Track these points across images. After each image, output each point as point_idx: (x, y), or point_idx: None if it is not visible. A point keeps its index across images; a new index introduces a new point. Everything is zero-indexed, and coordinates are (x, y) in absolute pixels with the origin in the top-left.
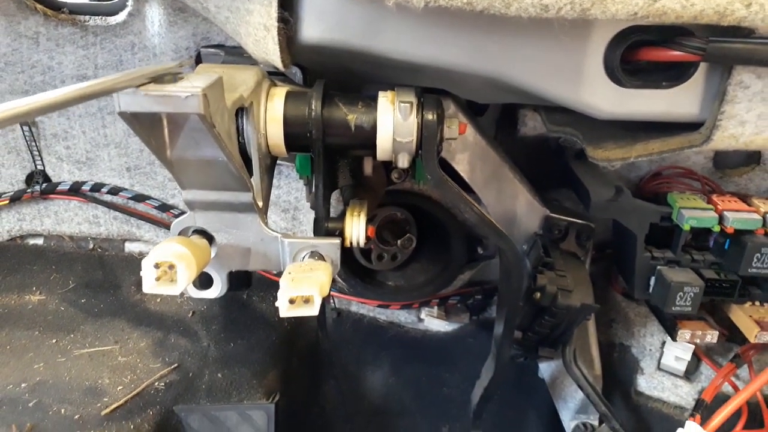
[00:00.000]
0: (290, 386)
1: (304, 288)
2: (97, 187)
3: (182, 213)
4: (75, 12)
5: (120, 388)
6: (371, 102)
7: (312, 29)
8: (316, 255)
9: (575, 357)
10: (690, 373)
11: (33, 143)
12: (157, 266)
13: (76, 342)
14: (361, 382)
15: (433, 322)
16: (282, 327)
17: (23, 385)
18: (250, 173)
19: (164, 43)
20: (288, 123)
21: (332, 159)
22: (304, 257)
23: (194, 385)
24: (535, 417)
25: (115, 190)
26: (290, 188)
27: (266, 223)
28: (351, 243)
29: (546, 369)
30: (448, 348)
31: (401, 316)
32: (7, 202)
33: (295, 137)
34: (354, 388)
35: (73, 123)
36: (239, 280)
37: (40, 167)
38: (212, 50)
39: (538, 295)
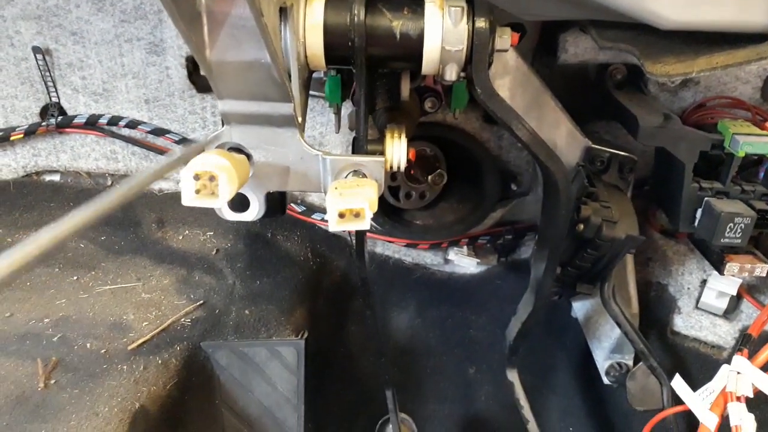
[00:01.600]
0: (316, 325)
1: (353, 201)
2: (114, 121)
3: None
4: None
5: (145, 323)
6: (417, 8)
7: None
8: (360, 174)
9: (614, 294)
10: (729, 313)
11: (47, 73)
12: (197, 177)
13: (98, 279)
14: (387, 324)
15: (462, 261)
16: (308, 266)
17: (46, 320)
18: None
19: None
20: (328, 31)
21: (372, 75)
22: (346, 176)
23: (221, 322)
24: (566, 358)
25: (133, 124)
26: (314, 122)
27: (305, 141)
28: (392, 166)
29: (580, 308)
30: (474, 290)
31: (427, 258)
32: (22, 135)
33: (336, 47)
34: (379, 328)
35: (88, 51)
36: (274, 205)
37: (54, 99)
38: None
39: (582, 226)
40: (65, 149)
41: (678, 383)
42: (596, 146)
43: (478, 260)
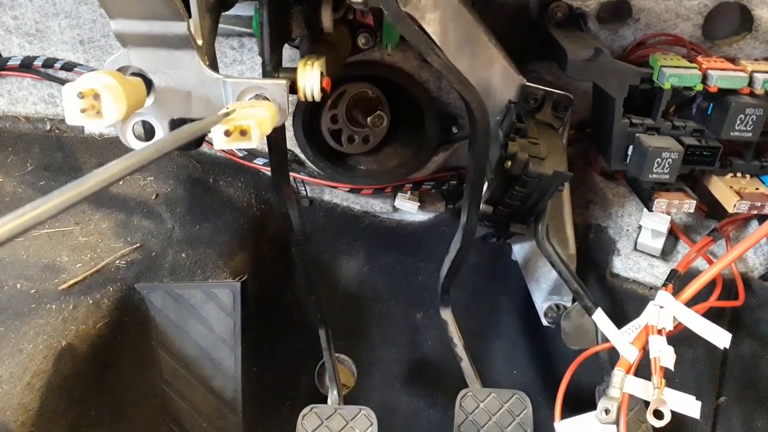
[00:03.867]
0: (260, 271)
1: (240, 120)
2: (49, 63)
3: None
4: None
5: (79, 265)
6: None
7: None
8: (261, 98)
9: (548, 234)
10: (666, 254)
11: None
12: (81, 96)
13: None
14: (335, 271)
15: (404, 205)
16: (251, 212)
17: None
18: (188, 8)
19: None
20: None
21: (285, 2)
22: (248, 100)
23: (156, 264)
24: (509, 301)
25: (69, 66)
26: (254, 63)
27: (207, 65)
28: (305, 95)
29: (519, 251)
30: (422, 237)
31: (376, 206)
32: None
33: None
34: (328, 276)
35: None
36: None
37: None
38: None
39: (509, 163)
40: (2, 93)
41: (599, 317)
42: (530, 84)
43: (419, 204)
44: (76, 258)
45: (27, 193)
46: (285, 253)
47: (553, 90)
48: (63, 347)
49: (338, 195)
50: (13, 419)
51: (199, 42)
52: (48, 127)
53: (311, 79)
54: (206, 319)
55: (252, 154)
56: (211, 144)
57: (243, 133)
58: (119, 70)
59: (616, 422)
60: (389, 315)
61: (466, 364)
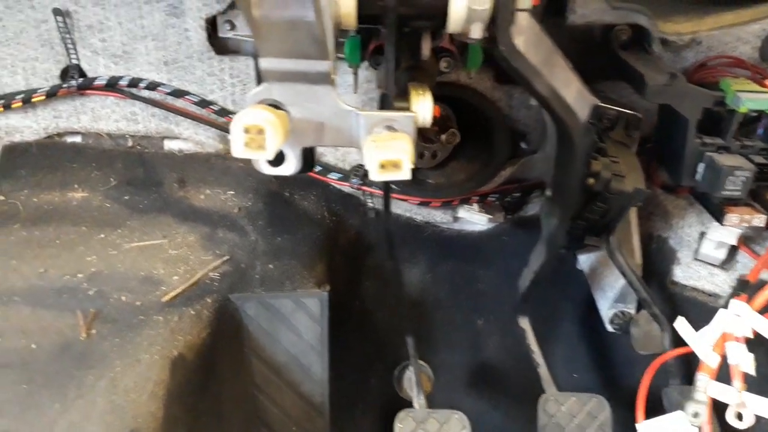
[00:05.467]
0: (333, 281)
1: (393, 152)
2: (134, 83)
3: (223, 110)
4: None
5: (176, 278)
6: None
7: None
8: (391, 129)
9: (619, 246)
10: (725, 264)
11: (67, 35)
12: (246, 131)
13: (125, 237)
14: (398, 280)
15: (473, 218)
16: (325, 224)
17: (79, 275)
18: None
19: None
20: None
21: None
22: (378, 132)
23: (247, 276)
24: (570, 308)
25: (152, 86)
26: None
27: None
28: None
29: (585, 260)
30: (482, 246)
31: (437, 216)
32: (44, 97)
33: (368, 5)
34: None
35: (108, 13)
36: (307, 160)
37: (75, 61)
38: None
39: (592, 180)
40: (86, 111)
41: (681, 325)
42: (604, 105)
43: (490, 217)
44: (171, 270)
45: (113, 208)
46: (353, 263)
47: (624, 110)
48: (175, 357)
49: (401, 206)
50: (145, 426)
51: (334, 77)
52: (129, 144)
53: (424, 107)
54: (296, 327)
55: (326, 168)
56: None
57: (396, 165)
58: (259, 102)
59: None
60: (451, 321)
61: (543, 370)
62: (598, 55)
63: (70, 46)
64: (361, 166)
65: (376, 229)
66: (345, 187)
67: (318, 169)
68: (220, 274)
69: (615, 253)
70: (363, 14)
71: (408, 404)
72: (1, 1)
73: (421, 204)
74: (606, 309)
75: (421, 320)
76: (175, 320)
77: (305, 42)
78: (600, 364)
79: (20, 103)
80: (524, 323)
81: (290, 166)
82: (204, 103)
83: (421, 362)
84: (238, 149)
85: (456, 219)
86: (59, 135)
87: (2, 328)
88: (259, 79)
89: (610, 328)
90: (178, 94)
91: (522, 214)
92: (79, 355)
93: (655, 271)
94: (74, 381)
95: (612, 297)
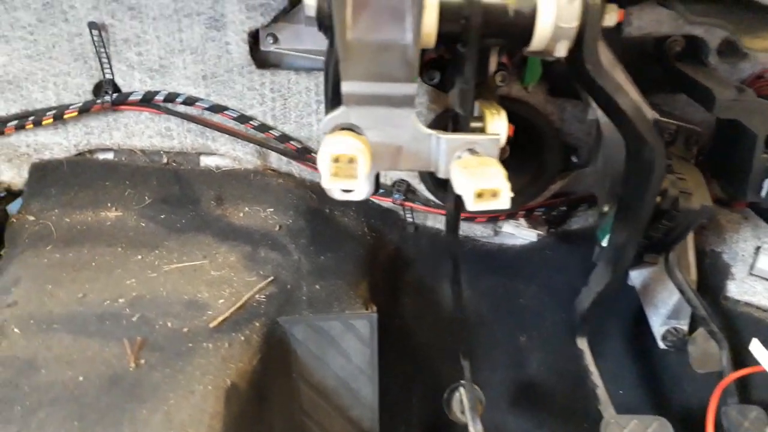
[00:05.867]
0: (373, 298)
1: (490, 180)
2: (171, 97)
3: (262, 125)
4: None
5: (221, 301)
6: None
7: None
8: (474, 153)
9: (678, 262)
10: None
11: (102, 49)
12: (336, 160)
13: (163, 258)
14: (438, 295)
15: (522, 233)
16: (365, 240)
17: (120, 300)
18: None
19: None
20: (444, 8)
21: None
22: (459, 155)
23: (294, 297)
24: (615, 325)
25: (190, 101)
26: None
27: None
28: None
29: (637, 276)
30: (524, 261)
31: (477, 230)
32: (76, 114)
33: (449, 25)
34: (431, 300)
35: (146, 27)
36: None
37: (108, 76)
38: None
39: (659, 198)
40: (119, 127)
41: (756, 347)
42: (664, 119)
43: (540, 233)
44: (215, 293)
45: (149, 227)
46: (393, 281)
47: (685, 125)
48: (228, 386)
49: (441, 220)
50: None
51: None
52: (164, 160)
53: (500, 127)
54: (345, 350)
55: None
56: None
57: (494, 194)
58: (337, 127)
59: None
60: (493, 338)
61: (601, 391)
62: (652, 67)
63: (104, 60)
64: (403, 181)
65: (415, 244)
66: (384, 202)
67: None
68: (267, 296)
69: (674, 270)
70: (444, 33)
71: (456, 427)
72: (32, 14)
73: (466, 219)
74: (658, 325)
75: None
76: (226, 347)
77: (395, 64)
78: (646, 381)
79: (51, 120)
80: (582, 344)
81: (363, 192)
82: (243, 119)
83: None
84: (327, 179)
85: (496, 232)
86: (90, 152)
87: (46, 359)
88: (333, 100)
89: (662, 344)
90: (217, 109)
91: (566, 227)
92: (129, 387)
93: (708, 287)
94: (127, 415)
95: (665, 313)
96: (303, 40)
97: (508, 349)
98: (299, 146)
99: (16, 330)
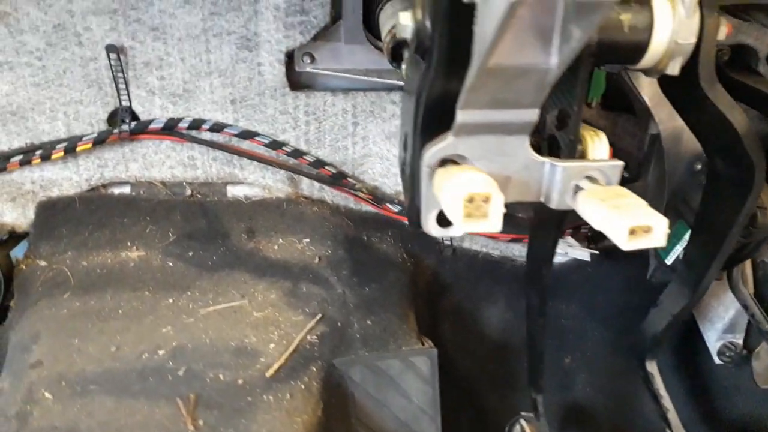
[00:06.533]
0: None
1: (645, 217)
2: (196, 124)
3: (296, 151)
4: None
5: (272, 345)
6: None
7: None
8: (593, 181)
9: (742, 277)
10: None
11: (120, 74)
12: (470, 200)
13: (197, 300)
14: (478, 320)
15: (575, 252)
16: (406, 267)
17: (160, 351)
18: None
19: None
20: None
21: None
22: (578, 185)
23: (347, 335)
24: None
25: (218, 127)
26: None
27: None
28: None
29: None
30: (563, 279)
31: (515, 250)
32: (90, 145)
33: None
34: (472, 326)
35: (170, 48)
36: None
37: (125, 103)
38: None
39: None
40: (136, 158)
41: None
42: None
43: (593, 251)
44: (263, 337)
45: (177, 267)
46: (432, 307)
47: None
48: None
49: (477, 242)
50: None
51: None
52: (188, 192)
53: (603, 150)
54: (405, 390)
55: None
56: (360, 197)
57: (647, 231)
58: (445, 158)
59: None
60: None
61: (673, 415)
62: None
63: (121, 85)
64: None
65: (452, 268)
66: None
67: (397, 209)
68: (319, 337)
69: (739, 286)
70: None
71: None
72: (41, 38)
73: (512, 240)
74: (714, 340)
75: (506, 361)
76: (288, 399)
77: (527, 90)
78: (696, 397)
79: (62, 153)
80: (652, 367)
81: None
82: (275, 145)
83: (530, 415)
84: (460, 222)
85: None
86: (104, 186)
87: (90, 428)
88: (426, 129)
89: (717, 360)
90: (247, 135)
91: (607, 243)
92: None
93: (761, 299)
94: None
95: (720, 328)
96: (341, 59)
97: (553, 370)
98: (334, 171)
99: (47, 395)
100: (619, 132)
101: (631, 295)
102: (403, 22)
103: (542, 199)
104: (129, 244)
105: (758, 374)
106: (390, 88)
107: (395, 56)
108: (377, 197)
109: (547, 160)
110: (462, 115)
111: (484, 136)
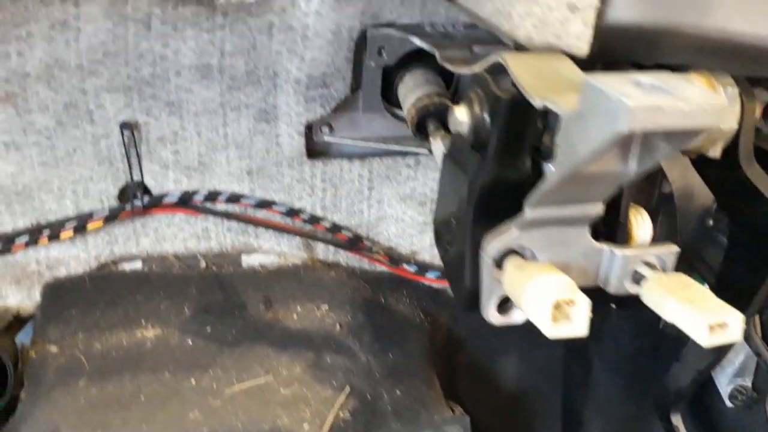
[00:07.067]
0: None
1: (723, 315)
2: (212, 196)
3: (312, 217)
4: None
5: (306, 425)
6: None
7: (628, 5)
8: (651, 267)
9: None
10: None
11: (133, 149)
12: (556, 306)
13: (220, 379)
14: (495, 374)
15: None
16: (424, 327)
17: None
18: None
19: (321, 24)
20: None
21: None
22: (639, 272)
23: (378, 409)
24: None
25: (234, 198)
26: (426, 179)
27: None
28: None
29: None
30: None
31: None
32: (101, 223)
33: None
34: (489, 380)
35: (186, 123)
36: None
37: (137, 178)
38: (383, 30)
39: None
40: (147, 232)
41: None
42: None
43: (612, 305)
44: (296, 416)
45: (196, 344)
46: (447, 363)
47: None
48: None
49: None
50: None
51: None
52: (203, 264)
53: (647, 232)
54: None
55: (422, 268)
56: (376, 259)
57: (722, 326)
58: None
59: None
60: (553, 413)
61: None
62: None
63: (134, 160)
64: None
65: (466, 323)
66: (434, 283)
67: (414, 269)
68: (351, 413)
69: (752, 334)
70: None
71: None
72: (51, 117)
73: None
74: (725, 384)
75: (522, 416)
76: None
77: (599, 191)
78: None
79: (71, 232)
80: (677, 420)
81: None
82: (291, 212)
83: None
84: (548, 327)
85: None
86: (114, 263)
87: None
88: (481, 217)
89: (729, 403)
90: (264, 204)
91: None
92: None
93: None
94: None
95: (731, 372)
96: (359, 128)
97: (574, 426)
98: (350, 235)
99: None
100: None
101: (643, 341)
102: (459, 117)
103: (600, 284)
104: (144, 322)
105: None
106: (405, 153)
107: (419, 128)
108: (393, 258)
109: (605, 247)
110: (531, 213)
111: (548, 229)
